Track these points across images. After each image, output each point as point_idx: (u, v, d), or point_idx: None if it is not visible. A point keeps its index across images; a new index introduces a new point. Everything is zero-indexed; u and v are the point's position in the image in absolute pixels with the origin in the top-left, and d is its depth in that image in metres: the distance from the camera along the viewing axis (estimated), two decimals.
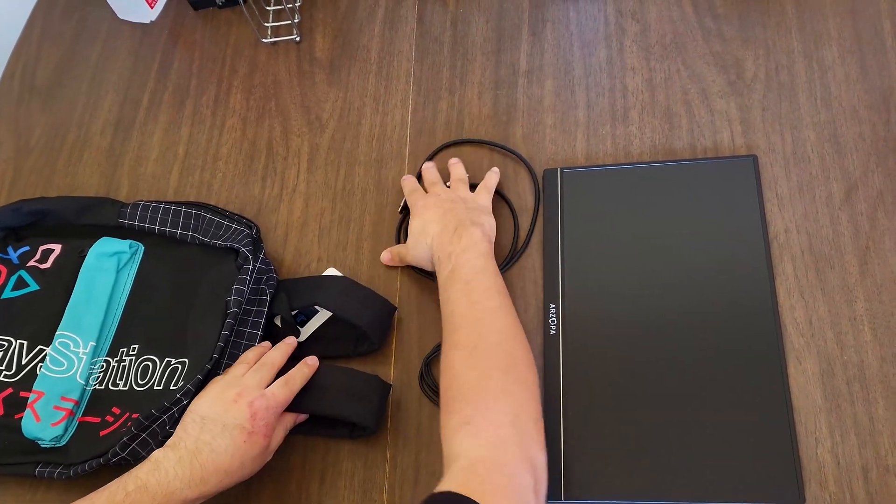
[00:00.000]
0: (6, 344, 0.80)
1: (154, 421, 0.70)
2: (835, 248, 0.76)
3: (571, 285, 0.78)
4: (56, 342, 0.77)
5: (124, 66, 1.05)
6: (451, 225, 0.76)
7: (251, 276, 0.77)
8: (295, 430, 0.75)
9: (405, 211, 0.86)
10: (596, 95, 0.89)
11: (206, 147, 0.96)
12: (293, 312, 0.79)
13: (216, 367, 0.74)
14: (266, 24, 1.02)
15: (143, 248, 0.84)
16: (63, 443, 0.74)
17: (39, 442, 0.74)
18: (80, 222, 0.87)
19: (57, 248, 0.85)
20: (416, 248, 0.79)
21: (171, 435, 0.68)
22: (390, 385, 0.76)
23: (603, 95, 0.89)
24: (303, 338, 0.79)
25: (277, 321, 0.80)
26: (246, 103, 0.98)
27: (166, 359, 0.76)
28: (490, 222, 0.80)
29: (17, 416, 0.75)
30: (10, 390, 0.77)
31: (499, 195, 0.85)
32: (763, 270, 0.75)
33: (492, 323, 0.69)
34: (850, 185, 0.78)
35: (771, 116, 0.83)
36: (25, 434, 0.74)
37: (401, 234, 0.85)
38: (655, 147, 0.84)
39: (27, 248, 0.86)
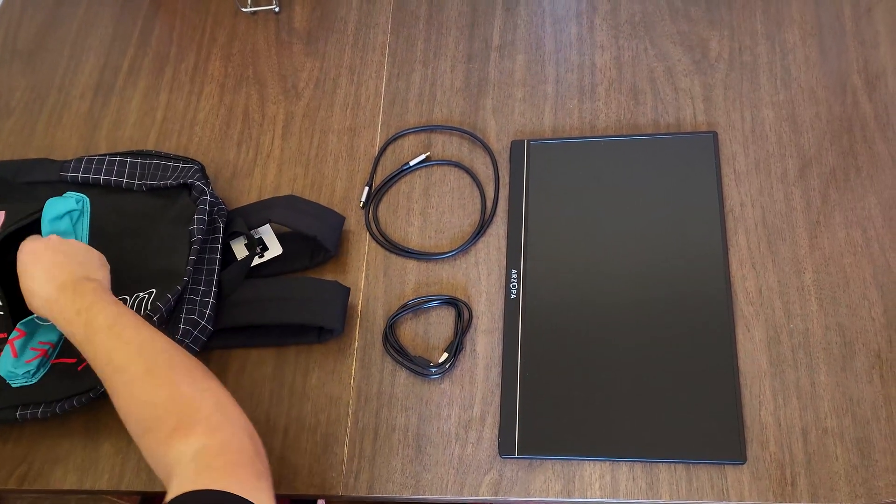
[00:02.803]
0: None
1: None
2: (787, 222, 0.79)
3: (533, 252, 0.81)
4: None
5: (106, 31, 1.06)
6: (68, 284, 0.72)
7: (208, 206, 0.80)
8: (268, 342, 0.80)
9: (367, 205, 0.87)
10: (565, 71, 0.91)
11: (183, 112, 0.97)
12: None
13: (185, 291, 0.77)
14: None
15: (87, 200, 0.86)
16: (35, 380, 0.76)
17: (11, 380, 0.76)
18: (20, 181, 0.88)
19: (1, 214, 0.86)
20: (31, 302, 0.74)
21: None
22: (348, 288, 0.81)
23: (572, 71, 0.91)
24: (276, 253, 0.84)
25: (235, 246, 0.84)
26: (224, 71, 0.99)
27: (135, 294, 0.79)
28: (106, 275, 0.77)
29: None
30: None
31: (463, 169, 0.87)
32: (717, 242, 0.78)
33: (153, 346, 0.67)
34: (804, 163, 0.81)
35: (732, 95, 0.86)
36: (1, 372, 0.76)
37: (370, 223, 0.87)
38: (620, 122, 0.87)
39: None
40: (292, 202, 0.84)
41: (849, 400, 0.71)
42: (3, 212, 0.86)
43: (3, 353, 0.76)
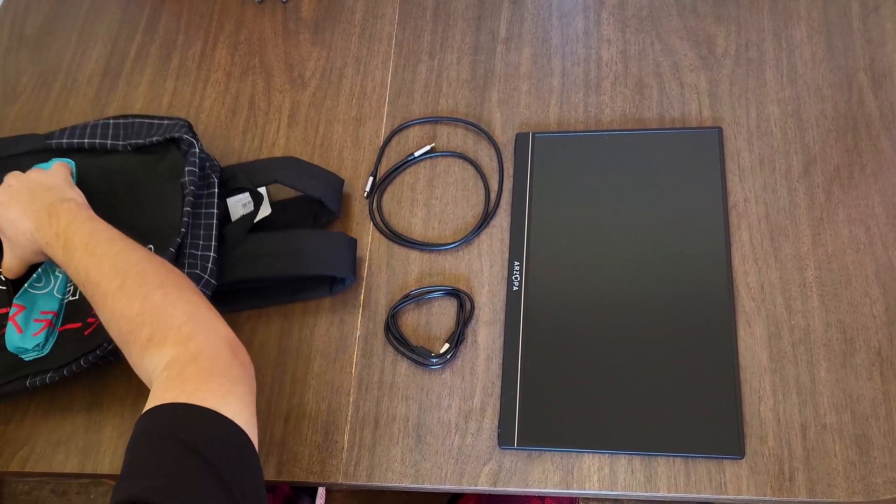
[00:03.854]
0: None
1: None
2: (790, 219, 0.79)
3: (535, 244, 0.81)
4: (47, 261, 0.80)
5: (113, 18, 1.06)
6: (43, 212, 0.74)
7: (198, 158, 0.81)
8: (278, 300, 0.82)
9: (371, 196, 0.88)
10: (571, 64, 0.91)
11: (189, 99, 0.98)
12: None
13: (183, 244, 0.78)
14: None
15: (73, 163, 0.87)
16: (45, 351, 0.77)
17: (23, 355, 0.77)
18: (5, 154, 0.89)
19: None
20: (21, 249, 0.77)
21: None
22: (355, 239, 0.82)
23: (578, 65, 0.91)
24: (265, 213, 0.85)
25: (231, 203, 0.85)
26: (231, 59, 1.00)
27: None
28: (78, 192, 0.79)
29: None
30: None
31: (467, 160, 0.87)
32: (720, 237, 0.78)
33: (126, 259, 0.68)
34: (808, 160, 0.81)
35: (738, 91, 0.86)
36: (9, 347, 0.76)
37: (373, 213, 0.87)
38: (626, 116, 0.87)
39: None
40: (295, 164, 0.85)
41: (848, 397, 0.71)
42: None
43: (7, 330, 0.77)
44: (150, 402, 0.57)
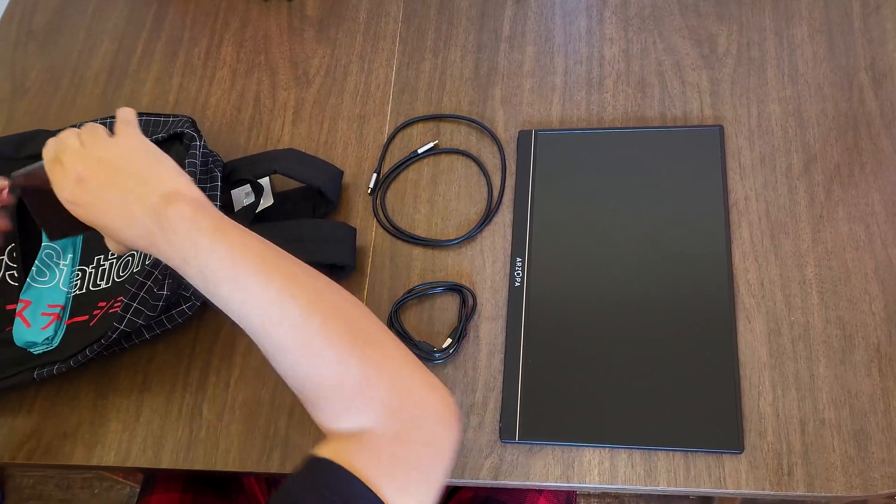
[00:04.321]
0: None
1: (141, 287, 0.74)
2: (790, 216, 0.79)
3: (538, 241, 0.82)
4: (42, 253, 0.81)
5: (120, 15, 1.07)
6: (147, 220, 0.58)
7: (200, 151, 0.82)
8: None
9: (375, 192, 0.88)
10: (574, 63, 0.92)
11: (195, 96, 0.98)
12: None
13: None
14: None
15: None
16: (55, 344, 0.78)
17: (32, 349, 0.78)
18: (21, 155, 0.90)
19: (5, 183, 0.87)
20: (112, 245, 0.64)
21: (161, 298, 0.73)
22: (355, 228, 0.83)
23: (581, 63, 0.92)
24: (267, 203, 0.86)
25: (235, 195, 0.86)
26: (236, 56, 1.00)
27: None
28: (176, 170, 0.62)
29: (7, 329, 0.78)
30: None
31: (471, 158, 0.88)
32: (721, 234, 0.79)
33: (304, 302, 0.55)
34: (809, 158, 0.82)
35: (739, 90, 0.86)
36: (17, 342, 0.77)
37: (377, 209, 0.88)
38: (627, 115, 0.88)
39: None
40: (295, 155, 0.86)
41: (847, 392, 0.71)
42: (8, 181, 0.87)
43: (15, 325, 0.78)
44: (335, 452, 0.50)
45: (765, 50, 0.88)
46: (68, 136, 0.64)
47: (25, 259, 0.82)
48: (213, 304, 0.57)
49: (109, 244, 0.64)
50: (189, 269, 0.56)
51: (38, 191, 0.67)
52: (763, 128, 0.84)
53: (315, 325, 0.53)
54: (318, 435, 0.76)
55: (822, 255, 0.77)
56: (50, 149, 0.65)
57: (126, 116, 0.66)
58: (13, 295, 0.80)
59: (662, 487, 0.71)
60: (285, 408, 0.79)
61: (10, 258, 0.82)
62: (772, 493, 0.69)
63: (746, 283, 0.77)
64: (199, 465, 0.77)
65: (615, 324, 0.76)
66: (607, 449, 0.72)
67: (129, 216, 0.59)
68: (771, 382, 0.73)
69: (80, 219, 0.62)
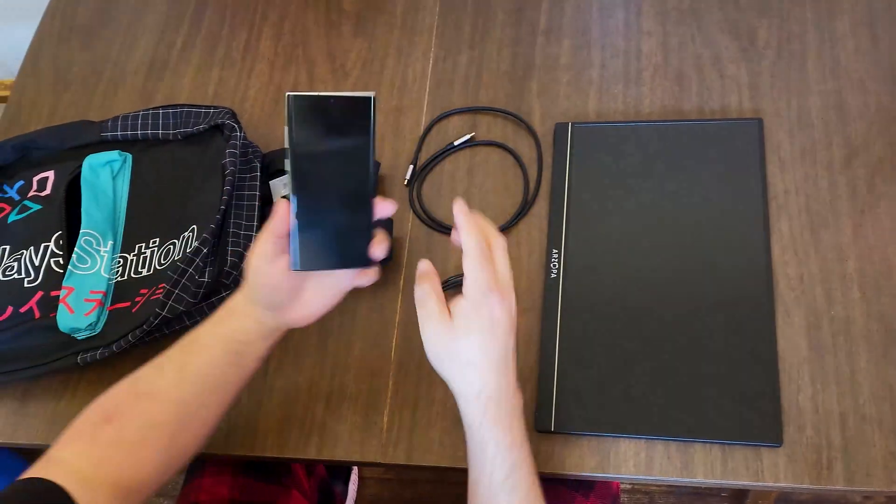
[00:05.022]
0: (20, 256, 0.85)
1: (182, 274, 0.76)
2: (831, 210, 0.79)
3: (574, 233, 0.82)
4: (81, 240, 0.83)
5: (161, 9, 1.09)
6: (511, 384, 0.62)
7: (240, 142, 0.83)
8: None
9: (411, 184, 0.89)
10: (611, 56, 0.92)
11: (234, 89, 1.00)
12: None
13: (224, 221, 0.80)
14: None
15: (131, 156, 0.90)
16: (98, 330, 0.80)
17: (76, 334, 0.79)
18: (65, 147, 0.92)
19: (50, 174, 0.90)
20: (451, 372, 0.63)
21: (202, 285, 0.76)
22: (391, 219, 0.81)
23: (618, 56, 0.91)
24: None
25: (273, 186, 0.86)
26: (274, 49, 1.02)
27: (180, 235, 0.82)
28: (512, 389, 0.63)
29: (51, 315, 0.80)
30: (40, 293, 0.82)
31: (507, 150, 0.88)
32: (760, 228, 0.78)
33: None
34: (850, 152, 0.81)
35: (779, 83, 0.86)
36: (61, 328, 0.79)
37: (413, 201, 0.88)
38: (665, 108, 0.87)
39: (22, 182, 0.91)
40: None
41: (889, 388, 0.71)
42: (53, 171, 0.90)
43: (59, 311, 0.79)
44: None
45: (805, 43, 0.87)
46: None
47: (69, 247, 0.84)
48: None
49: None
50: (478, 448, 0.61)
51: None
52: (803, 121, 0.83)
53: None
54: (353, 422, 0.77)
55: (863, 250, 0.76)
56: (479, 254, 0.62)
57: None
58: (58, 282, 0.81)
59: (699, 479, 0.70)
60: (322, 396, 0.80)
61: (57, 245, 0.83)
62: (811, 486, 0.68)
63: (786, 277, 0.76)
64: (239, 451, 0.78)
65: (652, 316, 0.76)
66: (643, 440, 0.72)
67: (490, 375, 0.61)
68: (811, 377, 0.72)
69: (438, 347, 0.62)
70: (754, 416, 0.71)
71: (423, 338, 0.63)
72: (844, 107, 0.83)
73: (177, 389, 0.65)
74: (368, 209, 0.65)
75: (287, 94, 0.61)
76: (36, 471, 0.59)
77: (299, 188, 0.62)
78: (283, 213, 0.64)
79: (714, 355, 0.74)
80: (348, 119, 0.62)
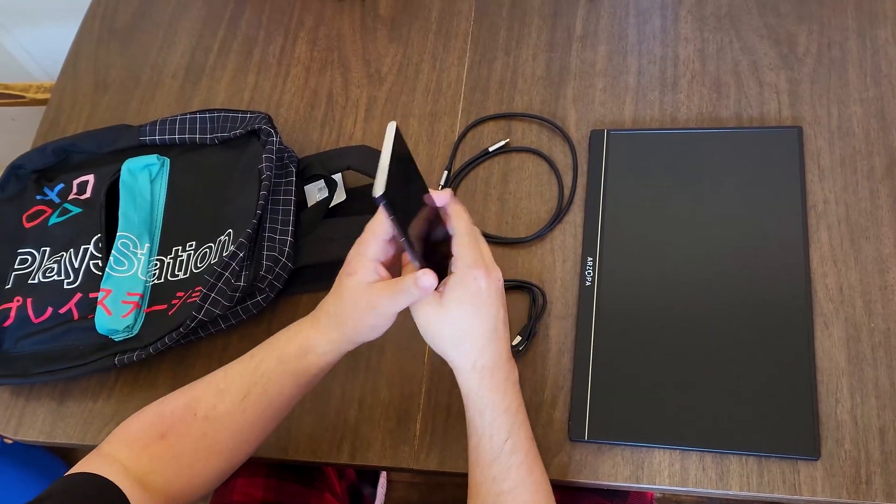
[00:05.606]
0: (60, 258, 0.86)
1: (219, 278, 0.76)
2: (872, 220, 0.77)
3: (609, 241, 0.81)
4: (118, 243, 0.84)
5: (198, 14, 1.10)
6: (503, 354, 0.64)
7: (276, 147, 0.84)
8: None
9: (446, 187, 0.88)
10: (647, 62, 0.91)
11: (270, 94, 1.00)
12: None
13: (260, 226, 0.80)
14: None
15: (168, 160, 0.91)
16: (135, 332, 0.81)
17: (113, 336, 0.80)
18: (104, 151, 0.93)
19: (90, 177, 0.91)
20: (454, 346, 0.64)
21: (238, 289, 0.76)
22: None
23: (654, 63, 0.91)
24: (340, 199, 0.87)
25: (308, 191, 0.88)
26: (310, 54, 1.02)
27: (217, 239, 0.83)
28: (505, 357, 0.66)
29: (89, 317, 0.81)
30: (79, 295, 0.83)
31: (542, 156, 0.88)
32: (798, 238, 0.77)
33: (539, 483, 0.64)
34: (892, 161, 0.80)
35: (819, 90, 0.85)
36: (99, 330, 0.80)
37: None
38: (702, 115, 0.87)
39: (62, 185, 0.92)
40: (367, 151, 0.87)
41: None
42: (93, 174, 0.91)
43: (97, 313, 0.80)
44: None
45: (846, 50, 0.86)
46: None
47: (108, 250, 0.85)
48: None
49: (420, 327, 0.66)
50: (476, 415, 0.64)
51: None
52: (844, 129, 0.82)
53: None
54: (386, 428, 0.77)
55: None
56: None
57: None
58: (96, 284, 0.83)
59: (734, 492, 0.70)
60: (355, 400, 0.80)
61: (96, 248, 0.84)
62: (849, 501, 0.67)
63: (825, 288, 0.75)
64: (273, 454, 0.78)
65: (688, 325, 0.76)
66: (678, 451, 0.72)
67: (483, 345, 0.63)
68: (849, 389, 0.71)
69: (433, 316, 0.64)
70: (791, 429, 0.70)
71: (415, 320, 0.65)
72: (886, 115, 0.82)
73: (238, 416, 0.65)
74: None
75: (393, 123, 0.62)
76: (91, 465, 0.59)
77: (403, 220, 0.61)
78: (382, 237, 0.63)
79: (751, 365, 0.73)
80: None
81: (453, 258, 0.64)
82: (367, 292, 0.63)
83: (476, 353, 0.63)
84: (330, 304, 0.65)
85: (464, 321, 0.63)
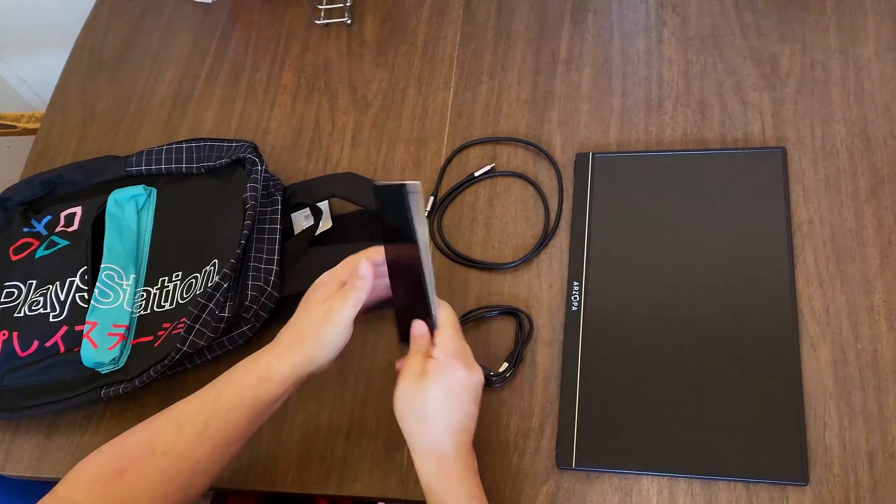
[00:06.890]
0: (46, 291, 0.86)
1: (203, 309, 0.76)
2: (857, 241, 0.77)
3: (595, 265, 0.81)
4: (102, 275, 0.84)
5: (186, 43, 1.10)
6: (465, 446, 0.67)
7: (261, 175, 0.84)
8: None
9: (432, 215, 0.89)
10: (632, 85, 0.91)
11: (257, 121, 1.01)
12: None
13: (245, 255, 0.81)
14: (320, 7, 1.07)
15: (155, 190, 0.91)
16: (121, 364, 0.81)
17: (100, 368, 0.80)
18: (92, 183, 0.93)
19: (77, 209, 0.91)
20: (421, 441, 0.67)
21: (222, 320, 0.77)
22: None
23: (639, 85, 0.91)
24: (326, 227, 0.88)
25: (295, 219, 0.88)
26: (297, 81, 1.03)
27: (202, 269, 0.83)
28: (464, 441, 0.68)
29: (75, 350, 0.81)
30: (64, 328, 0.83)
31: (527, 181, 0.88)
32: (784, 259, 0.77)
33: None
34: (877, 181, 0.80)
35: (803, 110, 0.85)
36: (85, 363, 0.80)
37: (434, 232, 0.88)
38: (687, 136, 0.87)
39: (49, 217, 0.92)
40: (352, 178, 0.88)
41: None
42: (80, 206, 0.91)
43: (83, 346, 0.80)
44: None
45: (829, 70, 0.86)
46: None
47: (94, 282, 0.85)
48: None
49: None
50: (436, 493, 0.65)
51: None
52: (828, 149, 0.82)
53: None
54: (374, 457, 0.77)
55: (891, 282, 0.75)
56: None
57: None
58: (82, 316, 0.82)
59: None
60: (342, 430, 0.80)
61: (82, 280, 0.84)
62: None
63: (811, 310, 0.75)
64: (259, 486, 0.78)
65: (675, 350, 0.75)
66: (666, 478, 0.71)
67: (447, 432, 0.66)
68: (837, 413, 0.71)
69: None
70: (779, 454, 0.69)
71: (396, 389, 0.68)
72: (870, 134, 0.82)
73: (196, 450, 0.65)
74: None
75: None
76: None
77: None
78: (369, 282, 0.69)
79: (737, 390, 0.72)
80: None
81: (436, 347, 0.68)
82: (321, 304, 0.68)
83: (435, 441, 0.65)
84: (287, 327, 0.69)
85: (438, 402, 0.65)
